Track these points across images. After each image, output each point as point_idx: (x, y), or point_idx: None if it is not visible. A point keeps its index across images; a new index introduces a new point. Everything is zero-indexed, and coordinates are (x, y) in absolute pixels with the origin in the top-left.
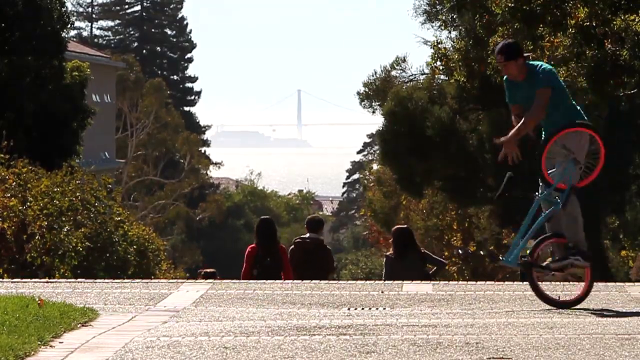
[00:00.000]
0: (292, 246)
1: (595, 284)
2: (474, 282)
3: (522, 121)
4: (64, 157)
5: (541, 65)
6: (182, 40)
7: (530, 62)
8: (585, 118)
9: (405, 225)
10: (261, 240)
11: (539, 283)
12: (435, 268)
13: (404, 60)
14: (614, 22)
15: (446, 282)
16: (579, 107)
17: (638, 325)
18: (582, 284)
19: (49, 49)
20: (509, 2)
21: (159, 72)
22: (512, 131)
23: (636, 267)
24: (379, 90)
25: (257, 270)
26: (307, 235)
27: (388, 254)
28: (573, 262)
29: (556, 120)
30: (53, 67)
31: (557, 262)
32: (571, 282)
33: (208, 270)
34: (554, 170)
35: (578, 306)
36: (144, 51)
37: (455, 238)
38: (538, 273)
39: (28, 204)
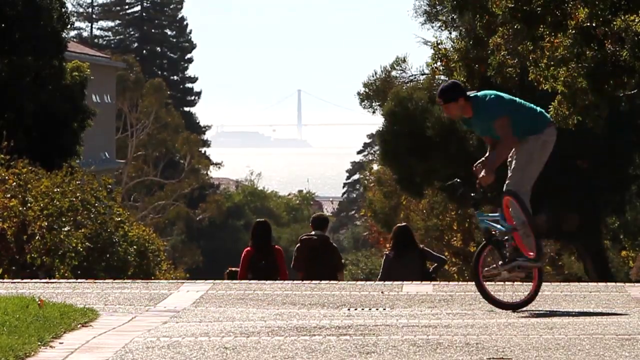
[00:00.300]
0: (299, 244)
1: (596, 284)
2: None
3: (495, 155)
4: (64, 157)
5: (484, 98)
6: (182, 40)
7: (474, 96)
8: (546, 118)
9: (404, 224)
10: (256, 243)
11: (485, 284)
12: (435, 265)
13: (404, 61)
14: (614, 23)
15: (446, 282)
16: (538, 110)
17: (638, 325)
18: (530, 285)
19: (49, 49)
20: (509, 3)
21: (159, 72)
22: (487, 166)
23: (636, 268)
24: (379, 91)
25: (253, 274)
26: (313, 232)
27: (387, 252)
28: (520, 264)
29: (520, 130)
30: (53, 67)
31: (506, 265)
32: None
33: (234, 269)
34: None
35: (578, 308)
36: (144, 51)
37: (455, 238)
38: (487, 274)
39: (28, 204)
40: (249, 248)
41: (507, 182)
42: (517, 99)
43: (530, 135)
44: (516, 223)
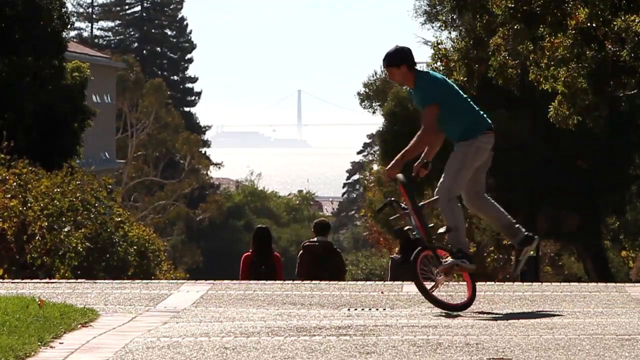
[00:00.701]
0: (301, 250)
1: (596, 284)
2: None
3: (409, 146)
4: (64, 157)
5: (426, 79)
6: (182, 40)
7: (421, 72)
8: (486, 124)
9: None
10: (257, 248)
11: (426, 284)
12: None
13: None
14: (615, 23)
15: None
16: (480, 113)
17: (638, 325)
18: (466, 290)
19: (49, 49)
20: (509, 3)
21: (159, 72)
22: (398, 156)
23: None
24: (379, 91)
25: (253, 278)
26: (316, 239)
27: (393, 256)
28: (459, 264)
29: (456, 131)
30: (53, 67)
31: (443, 264)
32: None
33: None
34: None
35: (578, 308)
36: (144, 52)
37: None
38: (432, 278)
39: (28, 204)
40: (248, 253)
41: (438, 185)
42: (463, 95)
43: (465, 140)
44: (448, 227)
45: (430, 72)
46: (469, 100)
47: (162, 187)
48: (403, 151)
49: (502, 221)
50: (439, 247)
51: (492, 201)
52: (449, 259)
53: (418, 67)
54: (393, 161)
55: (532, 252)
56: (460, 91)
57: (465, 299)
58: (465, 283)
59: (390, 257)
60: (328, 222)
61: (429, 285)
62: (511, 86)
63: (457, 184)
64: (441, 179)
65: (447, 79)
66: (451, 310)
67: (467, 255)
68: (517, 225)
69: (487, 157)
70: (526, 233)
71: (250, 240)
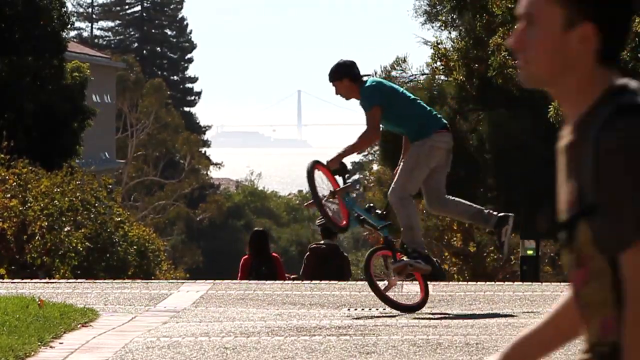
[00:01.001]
0: (308, 252)
1: None
2: (474, 283)
3: (353, 143)
4: (64, 157)
5: (368, 86)
6: (182, 40)
7: (365, 81)
8: (438, 123)
9: None
10: (255, 252)
11: (379, 283)
12: None
13: (404, 61)
14: None
15: (446, 282)
16: (433, 113)
17: None
18: (419, 291)
19: (49, 49)
20: (508, 3)
21: (159, 72)
22: (339, 151)
23: None
24: None
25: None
26: (322, 241)
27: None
28: (412, 264)
29: (409, 133)
30: (53, 67)
31: (397, 263)
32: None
33: (292, 276)
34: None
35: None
36: (144, 52)
37: (455, 238)
38: (385, 278)
39: (28, 204)
40: (246, 257)
41: (392, 184)
42: (410, 97)
43: (418, 140)
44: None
45: (376, 79)
46: (418, 101)
47: (162, 187)
48: (345, 147)
49: (470, 213)
50: (398, 250)
51: (453, 198)
52: (404, 259)
53: (371, 78)
54: (335, 155)
55: (509, 232)
56: (407, 93)
57: (418, 300)
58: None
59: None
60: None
61: (384, 285)
62: (511, 86)
63: (410, 182)
64: (395, 178)
65: (393, 84)
66: (404, 310)
67: (422, 255)
68: (486, 211)
69: (443, 157)
70: (499, 215)
71: (247, 243)
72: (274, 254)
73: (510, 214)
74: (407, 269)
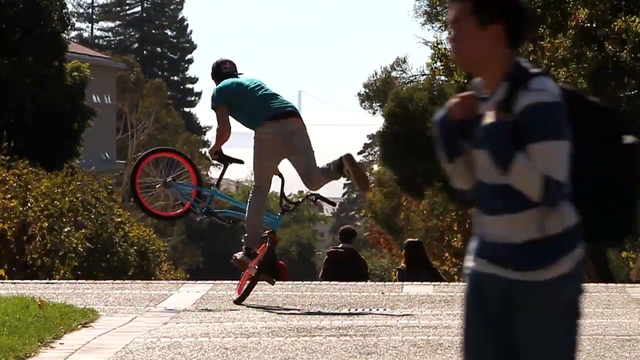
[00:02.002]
0: (326, 256)
1: (596, 285)
2: None
3: (215, 139)
4: (64, 157)
5: (216, 87)
6: (182, 41)
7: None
8: (265, 113)
9: (416, 239)
10: None
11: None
12: None
13: (404, 61)
14: (615, 24)
15: (446, 283)
16: (262, 105)
17: (638, 326)
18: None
19: (49, 50)
20: None
21: (160, 73)
22: (213, 145)
23: (636, 268)
24: (380, 91)
25: None
26: (341, 245)
27: (400, 267)
28: (235, 256)
29: (245, 125)
30: (53, 67)
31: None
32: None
33: None
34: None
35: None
36: (145, 52)
37: (455, 239)
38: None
39: (28, 205)
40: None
41: None
42: (251, 94)
43: (254, 133)
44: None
45: (228, 80)
46: (257, 95)
47: None
48: (214, 143)
49: (328, 172)
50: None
51: (318, 167)
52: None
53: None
54: (213, 146)
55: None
56: (251, 90)
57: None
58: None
59: (397, 268)
60: (353, 230)
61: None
62: None
63: (257, 174)
64: None
65: (241, 82)
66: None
67: (247, 247)
68: (332, 161)
69: (278, 145)
70: (339, 158)
71: None
72: (280, 262)
73: (348, 153)
74: (238, 262)
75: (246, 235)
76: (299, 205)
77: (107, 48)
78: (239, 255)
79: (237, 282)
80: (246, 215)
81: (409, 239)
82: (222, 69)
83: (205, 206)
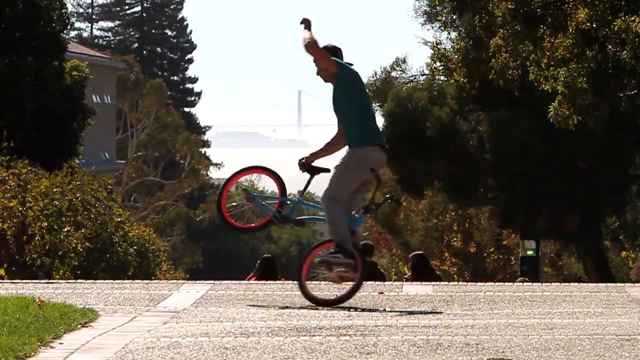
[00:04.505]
0: None
1: (596, 284)
2: (474, 283)
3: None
4: (64, 157)
5: None
6: (182, 41)
7: None
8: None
9: (421, 252)
10: (263, 276)
11: (306, 282)
12: None
13: (404, 61)
14: (615, 24)
15: (446, 283)
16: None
17: (638, 326)
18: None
19: (49, 50)
20: (509, 4)
21: (159, 72)
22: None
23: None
24: (379, 91)
25: None
26: None
27: (406, 275)
28: (329, 260)
29: (359, 134)
30: (53, 67)
31: (320, 258)
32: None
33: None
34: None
35: (578, 309)
36: (144, 52)
37: (455, 239)
38: (313, 273)
39: (28, 204)
40: (253, 277)
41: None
42: (367, 97)
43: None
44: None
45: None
46: (371, 110)
47: (162, 187)
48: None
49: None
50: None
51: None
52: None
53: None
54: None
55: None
56: (367, 99)
57: (341, 294)
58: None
59: (404, 277)
60: (372, 245)
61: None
62: (511, 87)
63: (338, 189)
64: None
65: (363, 84)
66: (324, 305)
67: (344, 249)
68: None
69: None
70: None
71: (257, 266)
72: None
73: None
74: (323, 264)
75: (342, 240)
76: (380, 206)
77: (107, 48)
78: (336, 258)
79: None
80: (331, 225)
81: (415, 252)
82: (339, 53)
83: (287, 214)
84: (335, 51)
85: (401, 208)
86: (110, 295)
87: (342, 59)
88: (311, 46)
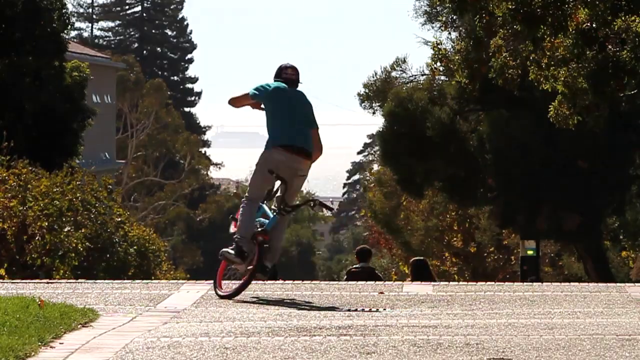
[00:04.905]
0: (346, 277)
1: (596, 284)
2: (474, 283)
3: None
4: (64, 157)
5: None
6: (182, 40)
7: None
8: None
9: (422, 257)
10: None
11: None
12: None
13: (404, 61)
14: (615, 24)
15: (446, 282)
16: (298, 130)
17: (638, 326)
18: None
19: (49, 50)
20: (509, 4)
21: (159, 72)
22: None
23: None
24: (379, 91)
25: None
26: (359, 265)
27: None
28: (224, 254)
29: (270, 135)
30: (53, 67)
31: (221, 250)
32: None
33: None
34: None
35: (578, 308)
36: (144, 52)
37: (455, 239)
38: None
39: (28, 204)
40: None
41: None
42: (289, 104)
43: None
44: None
45: (280, 83)
46: (287, 113)
47: (162, 187)
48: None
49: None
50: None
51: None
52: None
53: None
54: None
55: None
56: (287, 105)
57: (231, 289)
58: None
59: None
60: (369, 249)
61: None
62: (511, 87)
63: (253, 189)
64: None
65: (286, 90)
66: (223, 297)
67: (237, 245)
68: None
69: (282, 172)
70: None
71: None
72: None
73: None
74: (220, 256)
75: (239, 237)
76: (297, 209)
77: (107, 48)
78: (229, 252)
79: (238, 281)
80: (238, 222)
81: (415, 258)
82: (283, 75)
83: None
84: (279, 73)
85: (401, 208)
86: (111, 295)
87: (290, 75)
88: (230, 103)
